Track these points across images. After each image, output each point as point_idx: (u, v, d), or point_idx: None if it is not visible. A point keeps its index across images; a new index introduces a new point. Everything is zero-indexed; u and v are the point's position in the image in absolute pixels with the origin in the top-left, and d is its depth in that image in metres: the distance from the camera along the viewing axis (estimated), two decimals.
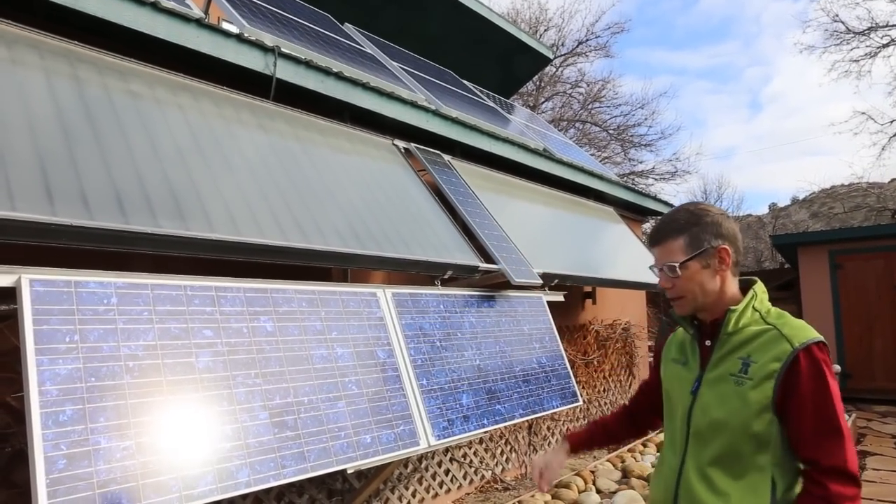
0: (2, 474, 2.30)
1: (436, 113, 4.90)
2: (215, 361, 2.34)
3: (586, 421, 6.63)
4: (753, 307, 1.56)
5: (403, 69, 5.73)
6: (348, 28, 6.00)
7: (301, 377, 2.60)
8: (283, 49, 3.76)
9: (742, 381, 1.49)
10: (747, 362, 1.50)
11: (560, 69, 20.80)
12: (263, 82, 3.70)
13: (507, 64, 9.64)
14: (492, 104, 7.24)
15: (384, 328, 3.06)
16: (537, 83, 19.76)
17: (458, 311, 3.59)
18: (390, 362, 3.00)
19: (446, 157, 4.77)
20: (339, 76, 4.07)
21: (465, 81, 7.40)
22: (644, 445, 6.28)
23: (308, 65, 3.88)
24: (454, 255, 3.77)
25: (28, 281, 2.01)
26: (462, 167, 4.87)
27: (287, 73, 3.76)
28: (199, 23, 3.36)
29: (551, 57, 10.53)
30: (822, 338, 1.47)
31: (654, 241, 1.65)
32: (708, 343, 1.62)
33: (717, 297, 1.58)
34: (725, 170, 53.85)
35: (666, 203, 9.52)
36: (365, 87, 4.25)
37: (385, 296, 3.18)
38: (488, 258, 4.01)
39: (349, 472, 2.61)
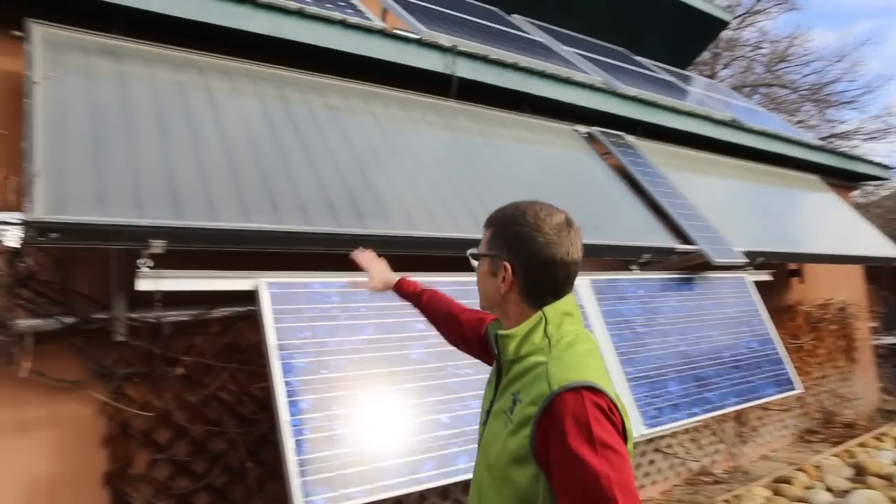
0: (255, 454, 2.59)
1: (614, 93, 4.73)
2: (427, 353, 2.44)
3: (801, 411, 6.05)
4: (545, 332, 1.22)
5: (575, 52, 5.60)
6: (516, 19, 6.00)
7: None
8: (460, 48, 3.84)
9: (508, 423, 1.19)
10: (516, 400, 1.20)
11: (738, 31, 19.19)
12: (443, 81, 3.81)
13: (679, 34, 9.06)
14: (668, 78, 6.85)
15: (585, 316, 3.00)
16: (713, 50, 18.39)
17: (658, 296, 3.44)
18: None
19: (629, 138, 4.59)
20: (516, 67, 4.07)
21: (637, 57, 7.08)
22: (879, 440, 5.56)
23: (486, 60, 3.93)
24: (648, 237, 3.61)
25: (266, 284, 2.23)
26: (646, 146, 4.66)
27: (466, 70, 3.84)
28: (382, 33, 3.54)
29: (728, 20, 9.72)
30: (588, 382, 1.11)
31: None
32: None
33: (503, 314, 1.30)
34: None
35: (880, 165, 8.38)
36: (541, 75, 4.22)
37: (583, 283, 3.12)
38: (684, 239, 3.79)
39: None
